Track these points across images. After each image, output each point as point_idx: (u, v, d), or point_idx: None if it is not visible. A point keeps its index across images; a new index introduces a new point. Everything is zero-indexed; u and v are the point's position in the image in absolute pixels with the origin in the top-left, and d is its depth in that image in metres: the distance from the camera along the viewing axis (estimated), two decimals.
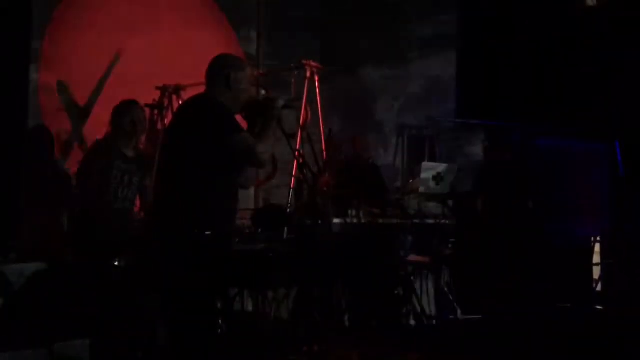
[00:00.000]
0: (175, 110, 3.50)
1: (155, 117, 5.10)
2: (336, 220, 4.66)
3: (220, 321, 3.24)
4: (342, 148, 6.02)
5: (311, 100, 5.10)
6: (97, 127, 4.21)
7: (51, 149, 4.83)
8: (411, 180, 5.58)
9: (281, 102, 3.21)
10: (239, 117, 3.25)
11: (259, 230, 4.18)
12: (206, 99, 3.16)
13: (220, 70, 3.18)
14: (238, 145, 3.04)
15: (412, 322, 5.21)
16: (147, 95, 5.05)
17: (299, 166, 3.82)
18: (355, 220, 4.85)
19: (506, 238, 5.81)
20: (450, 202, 5.45)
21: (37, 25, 4.85)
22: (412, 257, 5.25)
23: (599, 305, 6.13)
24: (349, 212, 4.87)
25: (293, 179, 4.78)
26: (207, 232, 2.99)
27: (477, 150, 6.36)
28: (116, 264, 3.77)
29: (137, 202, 4.32)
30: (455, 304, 5.53)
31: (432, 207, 5.45)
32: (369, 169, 5.84)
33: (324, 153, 5.13)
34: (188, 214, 3.00)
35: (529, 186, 6.06)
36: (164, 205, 3.07)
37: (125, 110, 4.15)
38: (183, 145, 3.03)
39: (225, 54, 3.34)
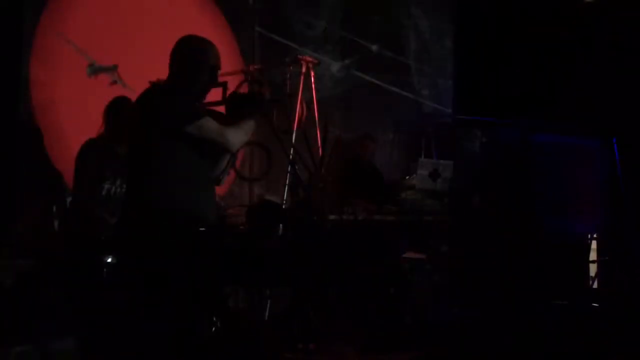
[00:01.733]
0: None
1: None
2: (332, 217, 4.63)
3: (214, 319, 3.21)
4: (340, 147, 5.98)
5: (307, 96, 5.06)
6: (88, 125, 4.16)
7: (42, 145, 4.78)
8: (407, 177, 5.55)
9: (267, 96, 3.17)
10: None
11: (254, 226, 4.15)
12: (160, 87, 3.13)
13: (182, 52, 3.13)
14: (203, 129, 2.99)
15: (408, 320, 5.19)
16: (139, 91, 5.00)
17: (293, 163, 3.79)
18: (351, 217, 4.82)
19: (503, 235, 5.80)
20: (447, 199, 5.43)
21: (28, 17, 4.80)
22: (409, 254, 5.23)
23: (595, 303, 6.12)
24: (345, 208, 4.84)
25: (288, 175, 4.75)
26: (201, 229, 2.95)
27: (474, 146, 6.34)
28: (109, 260, 3.73)
29: None
30: (451, 301, 5.51)
31: (429, 203, 5.42)
32: (369, 170, 5.78)
33: (320, 149, 5.09)
34: (160, 207, 2.97)
35: (527, 182, 6.05)
36: (138, 199, 3.03)
37: (118, 107, 4.11)
38: (144, 137, 3.01)
39: (189, 35, 3.25)
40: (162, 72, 5.05)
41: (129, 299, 3.55)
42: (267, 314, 4.53)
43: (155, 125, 2.99)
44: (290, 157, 3.97)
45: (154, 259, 2.95)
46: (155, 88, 3.17)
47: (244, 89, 3.51)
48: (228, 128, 3.05)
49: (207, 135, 3.02)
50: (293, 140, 4.47)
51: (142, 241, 2.98)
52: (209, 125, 3.02)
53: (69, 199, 4.36)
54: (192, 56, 3.13)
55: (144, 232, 2.97)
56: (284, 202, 4.80)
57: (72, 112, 4.91)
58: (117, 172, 4.10)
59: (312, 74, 5.07)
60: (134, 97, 4.34)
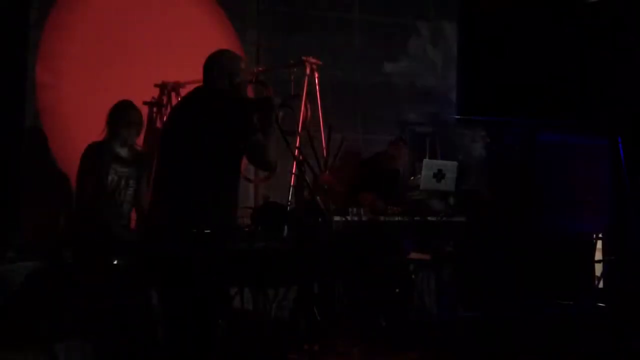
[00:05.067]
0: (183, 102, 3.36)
1: (154, 114, 5.08)
2: (337, 218, 4.64)
3: (220, 320, 3.22)
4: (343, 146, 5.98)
5: (311, 98, 5.07)
6: (93, 127, 4.18)
7: (48, 147, 4.81)
8: (412, 177, 5.56)
9: (278, 101, 3.19)
10: None
11: (259, 228, 4.16)
12: (230, 95, 3.11)
13: (224, 67, 3.15)
14: (257, 146, 3.01)
15: (413, 320, 5.19)
16: (145, 93, 5.02)
17: (299, 164, 3.81)
18: (356, 218, 4.83)
19: (507, 234, 5.80)
20: (451, 199, 5.43)
21: (34, 21, 4.83)
22: (413, 255, 5.24)
23: (600, 303, 6.12)
24: (350, 209, 4.85)
25: (293, 176, 4.76)
26: (207, 230, 2.96)
27: (478, 146, 6.34)
28: (115, 262, 3.75)
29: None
30: (456, 301, 5.51)
31: (433, 204, 5.43)
32: (389, 173, 5.76)
33: (325, 151, 5.11)
34: (203, 209, 2.96)
35: (532, 182, 6.04)
36: (174, 200, 3.00)
37: (121, 111, 4.13)
38: (203, 139, 2.97)
39: (225, 50, 3.30)
40: (167, 72, 5.12)
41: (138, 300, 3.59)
42: (272, 314, 4.55)
43: (215, 133, 2.97)
44: (296, 158, 3.99)
45: (163, 260, 2.97)
46: (211, 93, 3.13)
47: (249, 92, 3.53)
48: (271, 147, 3.05)
49: (258, 152, 3.03)
50: (297, 142, 4.49)
51: (164, 248, 2.97)
52: (262, 141, 3.02)
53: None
54: (235, 69, 3.16)
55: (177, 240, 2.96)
56: (289, 203, 4.81)
57: (78, 115, 4.92)
58: (121, 175, 4.12)
59: (317, 75, 5.08)
60: (139, 101, 4.39)
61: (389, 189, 5.49)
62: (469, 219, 5.35)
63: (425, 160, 5.40)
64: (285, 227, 4.26)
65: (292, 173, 4.72)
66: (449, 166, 5.29)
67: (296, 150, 4.04)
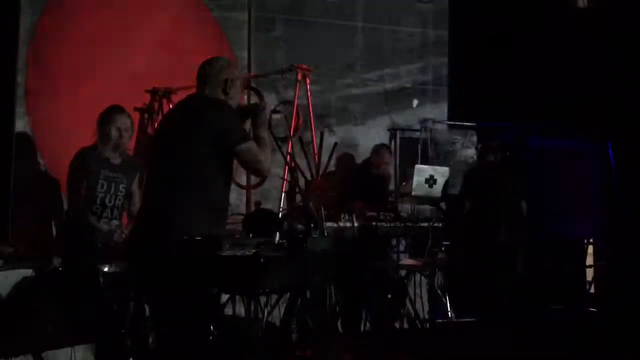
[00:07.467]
0: (175, 108, 3.35)
1: (145, 120, 5.07)
2: (329, 224, 4.64)
3: (211, 327, 3.21)
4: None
5: (303, 104, 5.07)
6: (84, 133, 4.17)
7: (38, 154, 4.79)
8: (404, 183, 5.56)
9: (270, 107, 3.19)
10: None
11: (250, 235, 4.15)
12: (221, 102, 3.10)
13: (218, 73, 3.15)
14: (248, 152, 3.01)
15: (405, 325, 5.20)
16: (136, 99, 5.01)
17: (291, 170, 3.80)
18: (348, 224, 4.83)
19: (498, 239, 5.80)
20: (442, 205, 5.44)
21: (24, 28, 4.81)
22: (405, 260, 5.24)
23: (592, 307, 6.14)
24: (342, 216, 4.85)
25: (285, 183, 4.75)
26: (197, 238, 2.95)
27: (470, 152, 6.36)
28: (105, 270, 3.73)
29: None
30: (448, 306, 5.52)
31: (425, 210, 5.44)
32: (377, 179, 5.76)
33: (316, 156, 5.10)
34: (191, 216, 2.95)
35: (522, 186, 6.05)
36: (163, 206, 2.99)
37: (111, 117, 4.12)
38: (193, 145, 2.97)
39: (221, 57, 3.30)
40: (159, 77, 5.11)
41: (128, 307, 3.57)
42: (264, 321, 4.54)
43: (205, 140, 2.97)
44: (287, 164, 3.98)
45: (154, 268, 2.96)
46: (211, 102, 3.11)
47: (242, 98, 3.53)
48: (264, 153, 3.06)
49: (251, 158, 3.03)
50: (290, 148, 4.48)
51: (154, 255, 2.96)
52: (254, 148, 3.03)
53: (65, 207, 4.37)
54: (230, 77, 3.16)
55: (161, 250, 2.95)
56: (281, 209, 4.80)
57: (69, 121, 4.91)
58: (111, 181, 4.11)
59: (308, 81, 5.08)
60: (129, 107, 4.38)
61: (376, 195, 5.50)
62: (456, 224, 5.36)
63: (417, 166, 5.41)
64: (277, 234, 4.25)
65: (284, 179, 4.71)
66: (441, 172, 5.30)
67: (288, 156, 4.03)
